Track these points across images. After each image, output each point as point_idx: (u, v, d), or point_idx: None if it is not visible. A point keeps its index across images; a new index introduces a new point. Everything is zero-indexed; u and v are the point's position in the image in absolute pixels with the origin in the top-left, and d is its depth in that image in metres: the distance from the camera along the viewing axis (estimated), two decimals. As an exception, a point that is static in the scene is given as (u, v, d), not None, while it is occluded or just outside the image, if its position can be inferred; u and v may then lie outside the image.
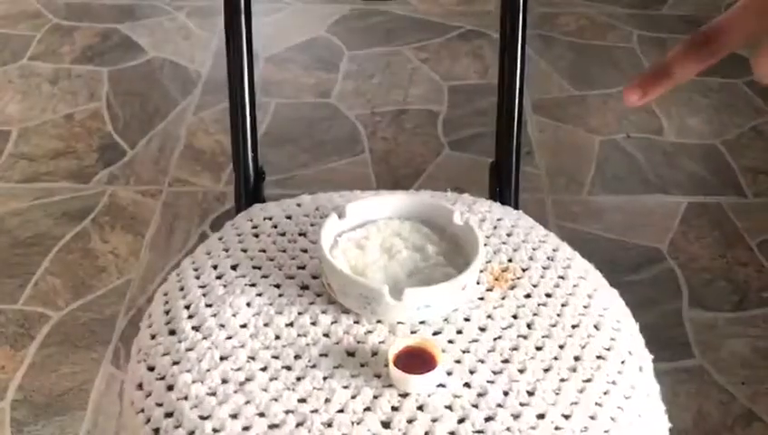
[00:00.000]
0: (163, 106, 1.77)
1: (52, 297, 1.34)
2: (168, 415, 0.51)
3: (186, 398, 0.52)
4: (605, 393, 0.53)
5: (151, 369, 0.55)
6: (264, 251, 0.64)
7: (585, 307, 0.60)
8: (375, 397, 0.52)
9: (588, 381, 0.54)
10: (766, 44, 0.43)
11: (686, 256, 1.44)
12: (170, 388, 0.53)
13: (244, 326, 0.57)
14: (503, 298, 0.60)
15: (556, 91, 1.84)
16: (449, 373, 0.54)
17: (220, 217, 1.50)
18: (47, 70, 1.87)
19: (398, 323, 0.57)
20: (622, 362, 0.56)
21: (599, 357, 0.56)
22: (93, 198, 1.53)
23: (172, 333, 0.57)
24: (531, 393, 0.53)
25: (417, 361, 0.53)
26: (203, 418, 0.51)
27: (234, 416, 0.50)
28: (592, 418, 0.52)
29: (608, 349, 0.57)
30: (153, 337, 0.58)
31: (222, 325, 0.57)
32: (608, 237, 1.46)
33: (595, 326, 0.58)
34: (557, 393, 0.53)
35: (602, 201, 1.55)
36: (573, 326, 0.58)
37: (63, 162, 1.62)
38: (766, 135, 1.72)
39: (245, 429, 0.50)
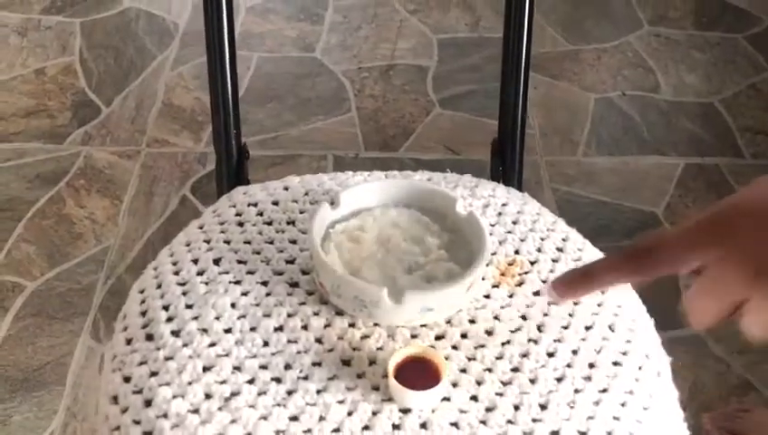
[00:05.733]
0: (139, 60, 1.69)
1: (26, 266, 1.28)
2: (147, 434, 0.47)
3: (165, 416, 0.47)
4: (622, 405, 0.49)
5: (127, 380, 0.50)
6: (248, 243, 0.58)
7: (598, 305, 0.56)
8: (374, 413, 0.47)
9: (604, 391, 0.50)
10: (755, 305, 0.37)
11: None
12: (148, 403, 0.48)
13: (228, 331, 0.52)
14: (510, 296, 0.55)
15: (549, 45, 1.78)
16: (454, 385, 0.49)
17: (201, 179, 1.44)
18: (15, 20, 1.77)
19: (398, 326, 0.52)
20: (639, 368, 0.52)
21: (615, 364, 0.52)
22: (67, 159, 1.46)
23: (149, 338, 0.52)
24: (543, 407, 0.48)
25: (419, 372, 0.48)
26: (185, 438, 0.46)
27: (219, 437, 0.46)
28: (609, 434, 0.47)
29: (624, 353, 0.53)
30: (129, 342, 0.53)
31: (204, 330, 0.52)
32: (603, 201, 1.42)
33: (610, 327, 0.54)
34: (571, 407, 0.48)
35: (597, 163, 1.50)
36: (587, 328, 0.54)
37: (35, 121, 1.54)
38: (765, 93, 1.67)
39: (232, 451, 0.45)
